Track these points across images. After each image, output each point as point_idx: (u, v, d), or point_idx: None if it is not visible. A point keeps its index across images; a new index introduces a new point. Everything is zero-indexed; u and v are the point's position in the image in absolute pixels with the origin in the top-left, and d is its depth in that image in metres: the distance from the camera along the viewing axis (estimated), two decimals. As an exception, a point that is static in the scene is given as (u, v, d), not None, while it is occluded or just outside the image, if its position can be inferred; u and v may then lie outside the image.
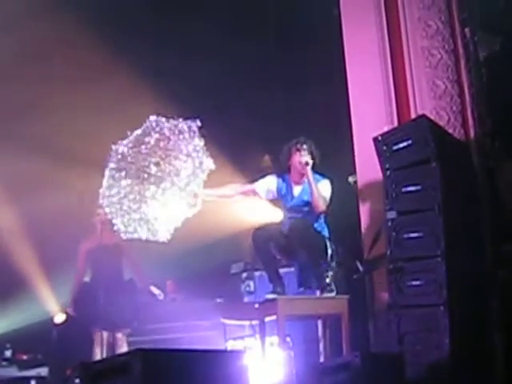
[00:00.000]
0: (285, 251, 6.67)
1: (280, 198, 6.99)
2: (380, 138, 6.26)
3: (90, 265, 8.52)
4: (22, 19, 8.83)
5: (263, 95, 9.99)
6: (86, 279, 8.53)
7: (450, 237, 5.74)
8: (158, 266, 8.90)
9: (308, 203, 6.75)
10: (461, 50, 6.98)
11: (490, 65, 6.85)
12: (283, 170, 7.00)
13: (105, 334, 8.21)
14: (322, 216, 6.79)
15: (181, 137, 6.73)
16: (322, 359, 7.11)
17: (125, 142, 6.82)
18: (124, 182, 6.62)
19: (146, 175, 6.62)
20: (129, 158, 6.68)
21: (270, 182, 7.01)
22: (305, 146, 6.80)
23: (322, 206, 6.67)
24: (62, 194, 9.36)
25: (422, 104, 6.91)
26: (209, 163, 6.81)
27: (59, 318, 8.64)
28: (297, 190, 6.88)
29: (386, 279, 6.13)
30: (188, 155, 6.71)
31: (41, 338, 8.86)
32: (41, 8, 8.81)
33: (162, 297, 8.71)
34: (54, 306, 8.81)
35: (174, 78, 9.54)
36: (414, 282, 5.85)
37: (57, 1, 8.89)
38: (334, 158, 7.57)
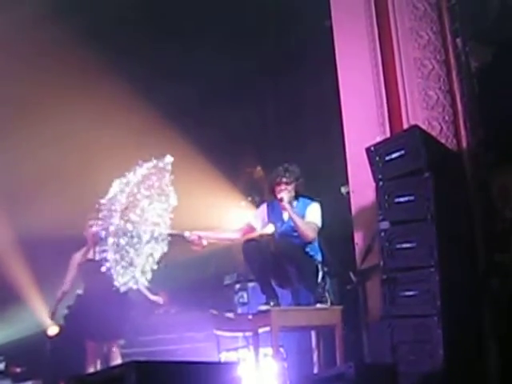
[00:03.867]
0: (273, 269, 6.64)
1: (272, 224, 6.97)
2: (373, 149, 6.27)
3: (82, 277, 8.47)
4: (12, 35, 8.86)
5: (256, 107, 10.01)
6: (79, 291, 8.49)
7: (443, 247, 5.74)
8: (150, 278, 8.88)
9: None
10: (452, 61, 7.00)
11: (482, 75, 6.87)
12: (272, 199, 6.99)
13: (97, 346, 8.18)
14: (315, 241, 6.72)
15: (154, 183, 6.69)
16: (315, 370, 7.10)
17: (107, 197, 6.71)
18: (109, 240, 6.59)
19: (126, 234, 6.59)
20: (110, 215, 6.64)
21: (261, 213, 7.02)
22: (284, 179, 6.74)
23: (309, 235, 6.60)
24: (54, 207, 9.33)
25: (415, 114, 6.91)
26: (173, 201, 6.77)
27: (52, 330, 8.61)
28: (286, 215, 6.82)
29: (379, 290, 6.13)
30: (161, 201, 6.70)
31: (34, 351, 8.83)
32: (30, 23, 8.84)
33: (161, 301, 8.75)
34: (46, 319, 8.76)
35: (163, 93, 9.57)
36: (408, 293, 5.84)
37: (45, 16, 8.89)
38: (327, 169, 7.58)
